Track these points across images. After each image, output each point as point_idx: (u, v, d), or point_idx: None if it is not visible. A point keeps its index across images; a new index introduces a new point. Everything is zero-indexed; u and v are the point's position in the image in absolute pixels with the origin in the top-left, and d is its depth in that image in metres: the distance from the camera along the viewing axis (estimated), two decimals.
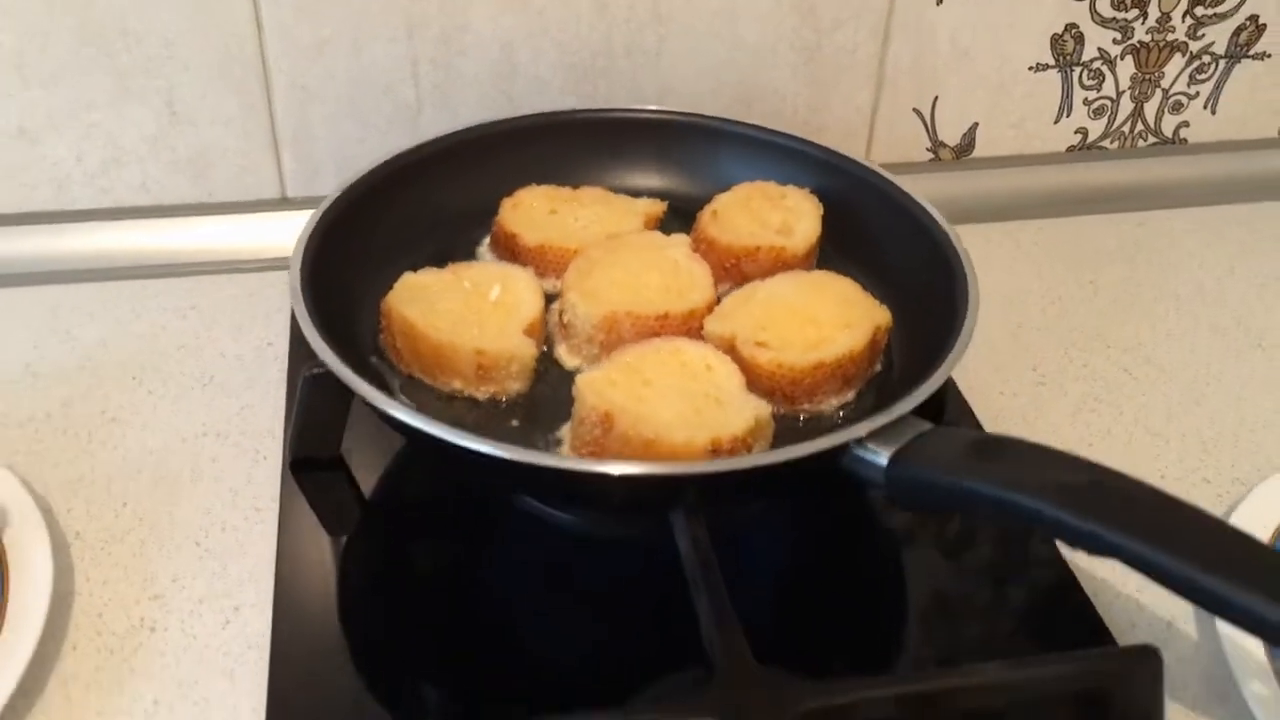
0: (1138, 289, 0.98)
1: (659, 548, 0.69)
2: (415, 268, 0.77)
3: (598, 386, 0.66)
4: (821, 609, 0.69)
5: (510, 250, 0.80)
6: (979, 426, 0.81)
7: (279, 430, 0.80)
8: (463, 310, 0.73)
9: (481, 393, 0.71)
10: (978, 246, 0.98)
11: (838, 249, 0.82)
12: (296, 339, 0.80)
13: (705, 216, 0.81)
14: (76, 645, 0.66)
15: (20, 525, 0.69)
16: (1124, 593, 0.71)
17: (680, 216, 0.86)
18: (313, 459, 0.77)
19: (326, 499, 0.75)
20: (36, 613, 0.64)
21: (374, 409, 0.64)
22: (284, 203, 0.96)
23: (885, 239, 0.81)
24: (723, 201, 0.82)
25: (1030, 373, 0.88)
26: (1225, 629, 0.66)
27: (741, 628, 0.59)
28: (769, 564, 0.72)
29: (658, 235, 0.80)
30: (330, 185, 0.84)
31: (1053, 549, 0.72)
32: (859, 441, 0.62)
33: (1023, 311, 0.95)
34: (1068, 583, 0.70)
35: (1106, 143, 1.08)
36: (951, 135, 1.05)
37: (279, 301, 0.91)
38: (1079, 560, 0.72)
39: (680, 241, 0.78)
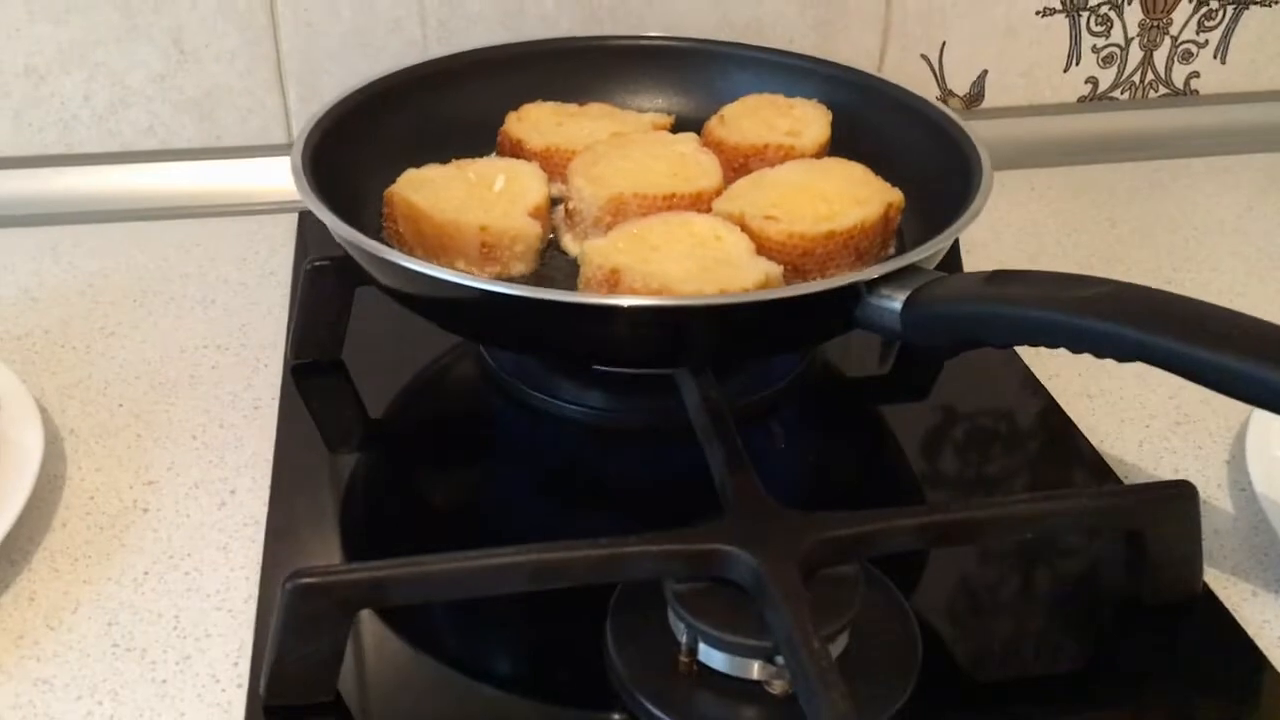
0: (1156, 223, 0.96)
1: (670, 437, 0.68)
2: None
3: (604, 250, 0.65)
4: (837, 462, 0.67)
5: (516, 156, 0.79)
6: None
7: (282, 343, 0.78)
8: (467, 196, 0.71)
9: (486, 273, 0.69)
10: (992, 190, 0.99)
11: (848, 153, 0.80)
12: (300, 268, 0.78)
13: (712, 121, 0.80)
14: (66, 523, 0.64)
15: (11, 409, 0.67)
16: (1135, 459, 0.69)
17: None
18: (316, 365, 0.75)
19: (328, 398, 0.73)
20: (23, 484, 0.62)
21: (377, 261, 0.62)
22: (290, 147, 0.96)
23: (896, 141, 0.79)
24: (730, 109, 0.81)
25: None
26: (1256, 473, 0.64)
27: (754, 472, 0.57)
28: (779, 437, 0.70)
29: (665, 133, 0.79)
30: None
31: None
32: (872, 285, 0.60)
33: (1039, 243, 0.93)
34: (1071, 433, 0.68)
35: (1117, 93, 1.07)
36: (960, 84, 1.04)
37: (284, 239, 0.90)
38: (1095, 427, 0.70)
39: (688, 138, 0.77)
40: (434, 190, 0.71)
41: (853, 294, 0.60)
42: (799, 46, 0.98)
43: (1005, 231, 0.95)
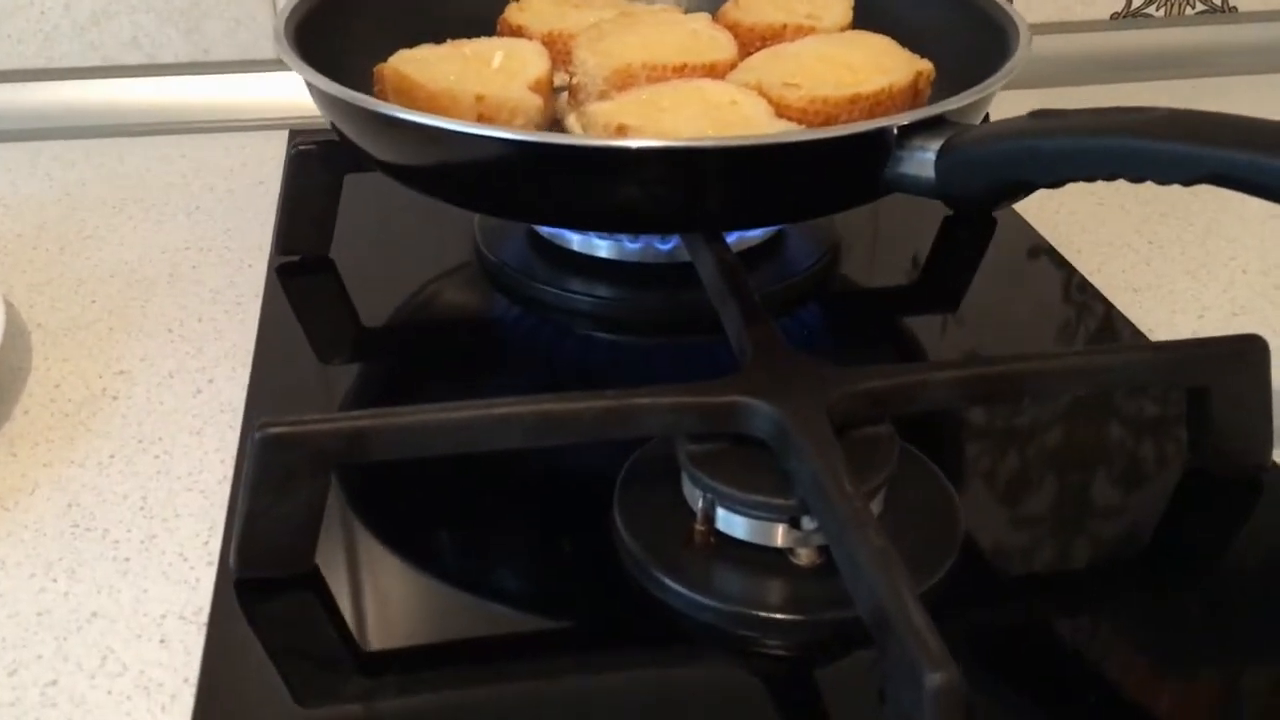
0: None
1: (685, 328, 0.63)
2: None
3: (610, 110, 0.60)
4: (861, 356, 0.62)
5: None
6: (1036, 235, 0.74)
7: (268, 245, 0.73)
8: (463, 70, 0.66)
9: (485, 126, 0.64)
10: (1021, 105, 0.93)
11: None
12: (287, 158, 0.73)
13: (727, 4, 0.75)
14: (29, 410, 0.59)
15: None
16: None
17: None
18: (303, 264, 0.70)
19: (315, 294, 0.68)
20: None
21: (368, 118, 0.57)
22: (280, 62, 0.91)
23: (923, 20, 0.74)
24: None
25: (1088, 196, 0.81)
26: None
27: (774, 324, 0.52)
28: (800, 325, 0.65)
29: (676, 12, 0.74)
30: None
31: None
32: (904, 134, 0.54)
33: None
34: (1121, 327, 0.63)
35: (1152, 9, 1.02)
36: None
37: (274, 155, 0.85)
38: (1144, 320, 0.65)
39: (700, 17, 0.72)
40: (428, 65, 0.66)
41: (882, 143, 0.54)
42: None
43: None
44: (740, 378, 0.48)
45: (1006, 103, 0.69)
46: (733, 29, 0.73)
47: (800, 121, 0.62)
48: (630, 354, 0.66)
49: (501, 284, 0.69)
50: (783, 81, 0.64)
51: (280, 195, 0.70)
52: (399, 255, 0.72)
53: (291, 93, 0.79)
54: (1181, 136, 0.46)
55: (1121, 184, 0.74)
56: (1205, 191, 0.79)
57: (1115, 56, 1.01)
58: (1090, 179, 0.50)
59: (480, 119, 0.63)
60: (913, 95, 0.65)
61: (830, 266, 0.71)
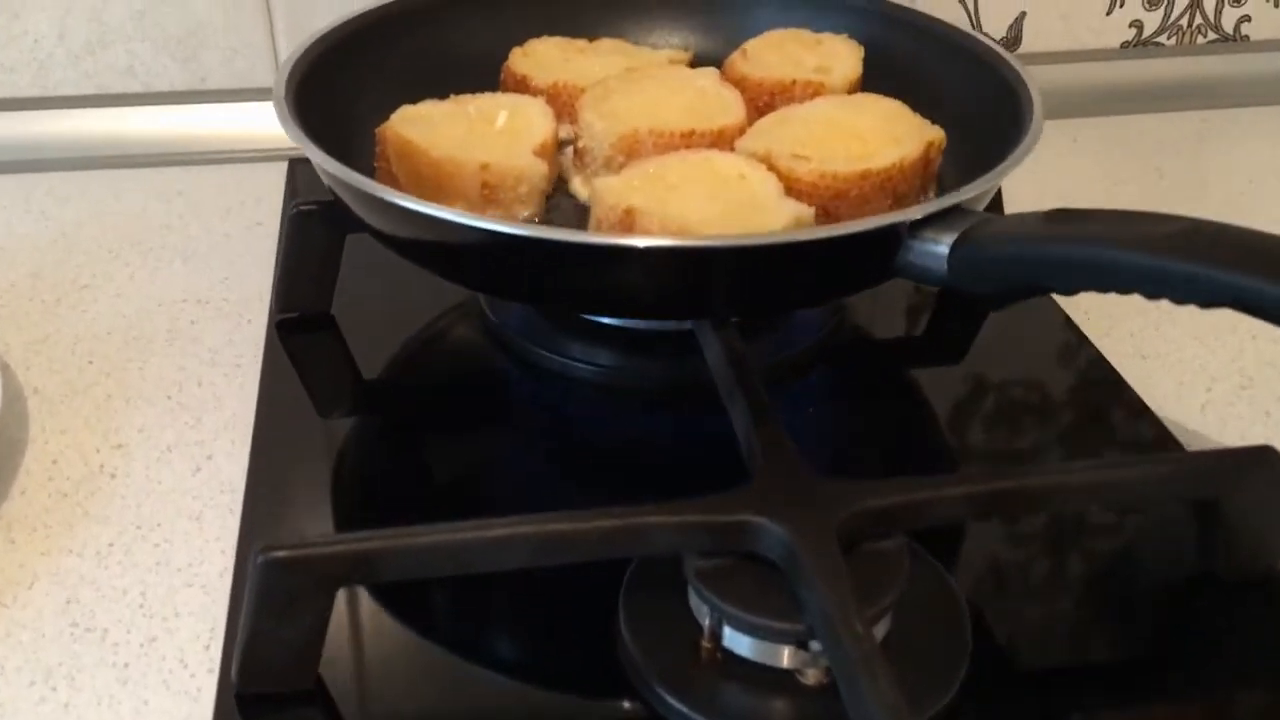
0: (1206, 175, 0.90)
1: (688, 399, 0.62)
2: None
3: (617, 188, 0.59)
4: (870, 429, 0.61)
5: (521, 93, 0.73)
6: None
7: (267, 297, 0.72)
8: (467, 133, 0.65)
9: (487, 217, 0.63)
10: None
11: (882, 91, 0.74)
12: (287, 218, 0.72)
13: (734, 56, 0.74)
14: (26, 490, 0.58)
15: None
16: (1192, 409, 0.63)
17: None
18: (303, 320, 0.69)
19: (315, 356, 0.67)
20: None
21: (369, 200, 0.56)
22: None
23: (934, 78, 0.73)
24: (753, 44, 0.75)
25: None
26: None
27: (784, 429, 0.51)
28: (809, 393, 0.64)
29: (683, 68, 0.72)
30: None
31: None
32: (915, 226, 0.53)
33: (1084, 196, 0.87)
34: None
35: (1163, 38, 1.00)
36: (997, 27, 0.97)
37: (272, 189, 0.84)
38: (1152, 391, 0.64)
39: (708, 73, 0.71)
40: (431, 127, 0.65)
41: (894, 236, 0.53)
42: None
43: (1047, 185, 0.88)
44: (749, 492, 0.48)
45: None
46: (740, 83, 0.71)
47: (810, 196, 0.61)
48: (633, 423, 0.65)
49: (503, 345, 0.68)
50: (792, 153, 0.63)
51: (279, 254, 0.69)
52: (401, 311, 0.71)
53: None
54: (1202, 258, 0.46)
55: None
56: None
57: (1125, 86, 0.99)
58: (1106, 291, 0.49)
59: (484, 187, 0.63)
60: (924, 166, 0.64)
61: (838, 327, 0.70)
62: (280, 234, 0.77)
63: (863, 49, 0.74)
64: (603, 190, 0.58)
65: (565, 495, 0.59)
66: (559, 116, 0.71)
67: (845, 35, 0.76)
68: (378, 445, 0.62)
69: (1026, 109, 0.65)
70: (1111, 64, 1.00)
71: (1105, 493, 0.50)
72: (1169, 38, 1.00)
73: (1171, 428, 0.62)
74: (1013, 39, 0.98)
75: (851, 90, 0.72)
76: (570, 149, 0.68)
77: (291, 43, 0.87)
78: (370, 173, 0.67)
